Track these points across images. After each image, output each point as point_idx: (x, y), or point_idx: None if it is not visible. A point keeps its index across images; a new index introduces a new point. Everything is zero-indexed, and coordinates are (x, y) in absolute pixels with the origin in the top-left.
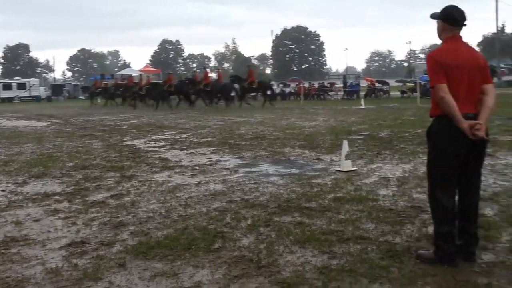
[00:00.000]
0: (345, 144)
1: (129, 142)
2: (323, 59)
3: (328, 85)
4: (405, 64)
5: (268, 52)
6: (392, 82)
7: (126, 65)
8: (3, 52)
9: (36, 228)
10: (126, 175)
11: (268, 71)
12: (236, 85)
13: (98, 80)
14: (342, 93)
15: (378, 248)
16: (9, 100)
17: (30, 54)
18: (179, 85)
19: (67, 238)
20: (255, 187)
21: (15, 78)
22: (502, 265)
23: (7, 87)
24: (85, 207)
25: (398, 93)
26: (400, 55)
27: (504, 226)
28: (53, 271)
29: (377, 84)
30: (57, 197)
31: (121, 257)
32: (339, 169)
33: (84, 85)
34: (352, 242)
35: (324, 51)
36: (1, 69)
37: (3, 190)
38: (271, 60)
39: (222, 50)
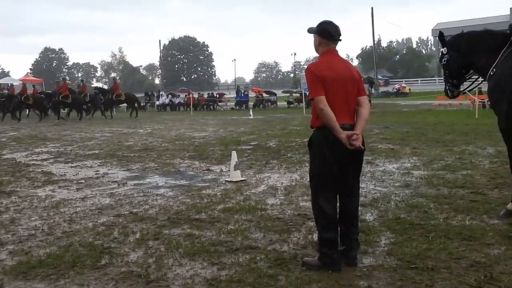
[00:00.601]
0: (234, 154)
1: (8, 156)
2: (212, 70)
3: (218, 96)
4: (291, 75)
5: (156, 61)
6: (279, 93)
7: (5, 74)
8: None
9: None
10: (4, 191)
11: (156, 81)
12: (101, 97)
13: None
14: (233, 103)
15: (267, 257)
16: None
17: None
18: (36, 97)
19: None
20: (144, 199)
21: None
22: (381, 268)
23: None
24: None
25: (285, 103)
26: (286, 66)
27: (382, 231)
28: None
29: (264, 95)
30: None
31: None
32: (228, 179)
33: None
34: (241, 252)
35: (213, 61)
36: None
37: None
38: (160, 70)
39: (109, 59)
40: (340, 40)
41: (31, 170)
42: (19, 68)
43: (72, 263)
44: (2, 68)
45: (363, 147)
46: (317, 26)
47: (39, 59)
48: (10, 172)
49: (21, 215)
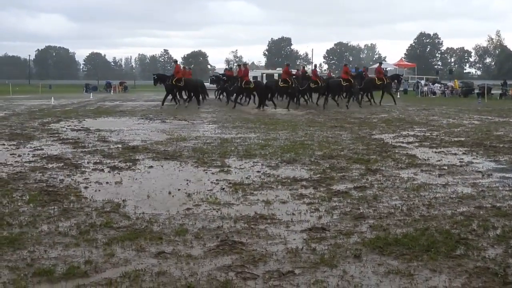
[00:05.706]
0: None
1: (377, 136)
2: None
3: None
4: None
5: None
6: None
7: (381, 59)
8: (267, 45)
9: (282, 209)
10: (371, 168)
11: None
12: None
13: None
14: None
15: None
16: None
17: (292, 47)
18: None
19: (309, 223)
20: (509, 194)
21: (277, 69)
22: None
23: (270, 77)
24: (329, 195)
25: None
26: None
27: None
28: (293, 251)
29: None
30: (304, 182)
31: (357, 248)
32: None
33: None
34: None
35: None
36: (265, 60)
37: (258, 171)
38: None
39: (484, 43)
40: None
41: (396, 151)
42: (394, 54)
43: (427, 247)
44: (379, 53)
45: None
46: None
47: (414, 44)
48: (377, 151)
49: (383, 193)
